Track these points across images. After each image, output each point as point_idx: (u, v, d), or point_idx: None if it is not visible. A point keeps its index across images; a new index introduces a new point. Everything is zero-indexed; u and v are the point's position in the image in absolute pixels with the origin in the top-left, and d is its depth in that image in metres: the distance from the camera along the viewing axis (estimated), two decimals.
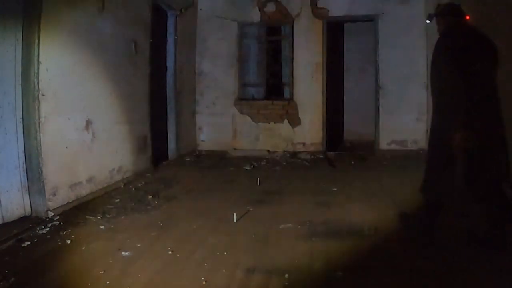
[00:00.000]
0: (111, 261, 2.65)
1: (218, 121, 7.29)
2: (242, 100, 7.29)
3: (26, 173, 3.40)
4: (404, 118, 6.66)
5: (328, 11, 6.91)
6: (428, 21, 3.07)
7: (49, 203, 3.47)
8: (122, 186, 4.56)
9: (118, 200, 4.09)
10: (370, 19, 6.90)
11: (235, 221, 3.42)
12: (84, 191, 3.98)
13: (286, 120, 7.15)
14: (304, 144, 7.12)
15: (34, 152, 3.38)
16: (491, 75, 2.67)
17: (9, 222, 3.22)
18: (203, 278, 2.40)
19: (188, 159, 6.49)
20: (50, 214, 3.45)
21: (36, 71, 3.32)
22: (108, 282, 2.36)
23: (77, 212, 3.63)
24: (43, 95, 3.40)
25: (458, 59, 2.52)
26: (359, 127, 8.18)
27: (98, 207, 3.82)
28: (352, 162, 6.13)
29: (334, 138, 7.56)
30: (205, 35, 7.25)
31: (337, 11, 6.87)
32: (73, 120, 3.85)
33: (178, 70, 6.38)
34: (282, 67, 7.42)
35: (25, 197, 3.40)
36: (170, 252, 2.80)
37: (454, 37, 2.67)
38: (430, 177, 2.89)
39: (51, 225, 3.28)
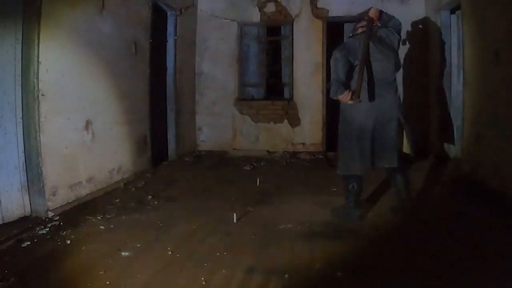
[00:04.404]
0: (111, 261, 2.65)
1: (218, 121, 7.29)
2: (242, 100, 7.29)
3: (26, 173, 3.40)
4: (404, 118, 6.62)
5: (328, 11, 6.92)
6: (350, 36, 3.71)
7: (49, 203, 3.47)
8: (122, 186, 4.56)
9: (118, 200, 4.08)
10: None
11: (235, 221, 3.42)
12: (84, 191, 3.98)
13: (286, 120, 7.15)
14: (304, 144, 7.12)
15: (34, 152, 3.38)
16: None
17: (9, 222, 3.22)
18: (203, 278, 2.40)
19: (188, 159, 6.48)
20: (50, 214, 3.45)
21: (36, 71, 3.32)
22: (108, 282, 2.36)
23: (77, 212, 3.63)
24: (43, 95, 3.40)
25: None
26: None
27: (98, 207, 3.82)
28: None
29: (334, 139, 7.52)
30: (205, 35, 7.25)
31: (337, 11, 6.87)
32: (73, 120, 3.85)
33: (178, 70, 6.38)
34: (282, 67, 7.42)
35: (25, 197, 3.40)
36: (170, 252, 2.80)
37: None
38: (342, 155, 3.46)
39: (51, 225, 3.28)
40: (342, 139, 3.48)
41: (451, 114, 5.72)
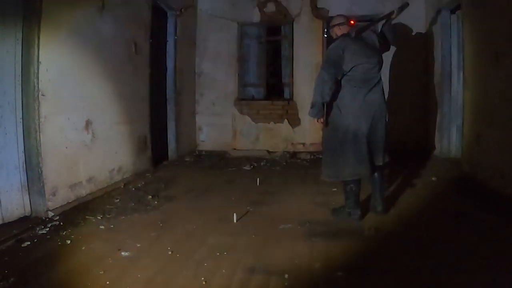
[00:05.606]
0: (111, 261, 2.65)
1: (218, 121, 7.29)
2: (242, 100, 7.30)
3: (26, 173, 3.40)
4: (404, 118, 6.62)
5: (328, 11, 6.91)
6: (325, 35, 3.73)
7: (49, 203, 3.47)
8: (122, 186, 4.56)
9: (118, 200, 4.09)
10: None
11: (235, 221, 3.42)
12: (84, 191, 3.98)
13: (286, 120, 7.15)
14: (304, 144, 7.13)
15: (34, 152, 3.38)
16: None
17: (9, 222, 3.22)
18: (203, 278, 2.40)
19: (188, 159, 6.48)
20: (50, 214, 3.45)
21: (36, 71, 3.32)
22: (108, 282, 2.36)
23: (77, 212, 3.63)
24: (43, 95, 3.40)
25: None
26: None
27: (98, 207, 3.82)
28: None
29: None
30: (205, 35, 7.26)
31: (337, 11, 6.80)
32: (73, 120, 3.85)
33: (178, 70, 6.38)
34: (282, 67, 7.42)
35: (25, 197, 3.40)
36: (170, 252, 2.80)
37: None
38: (330, 161, 3.48)
39: (51, 225, 3.28)
40: (332, 144, 3.45)
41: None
